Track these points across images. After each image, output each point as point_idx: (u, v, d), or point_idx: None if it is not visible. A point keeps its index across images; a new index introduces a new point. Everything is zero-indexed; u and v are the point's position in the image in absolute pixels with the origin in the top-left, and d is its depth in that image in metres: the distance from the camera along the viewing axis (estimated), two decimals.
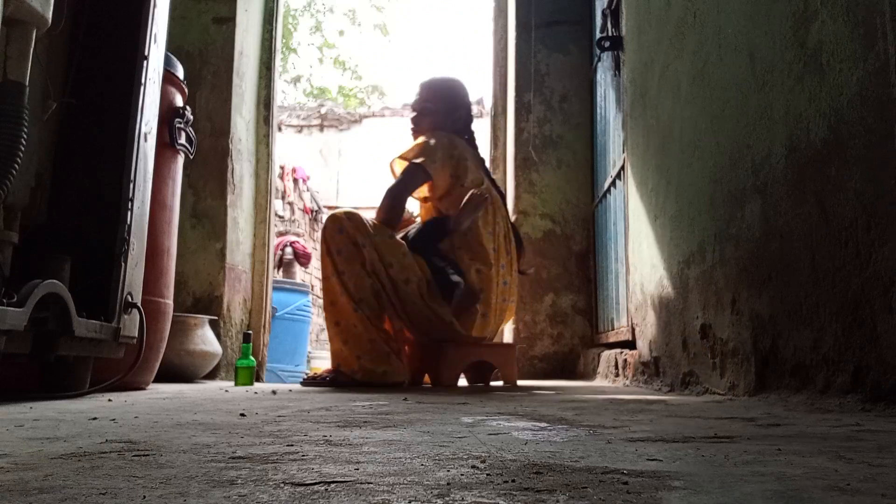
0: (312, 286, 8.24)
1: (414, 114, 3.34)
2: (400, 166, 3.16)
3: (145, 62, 2.35)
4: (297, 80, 14.36)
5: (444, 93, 3.35)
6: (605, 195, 4.01)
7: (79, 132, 2.29)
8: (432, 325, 3.01)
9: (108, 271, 2.21)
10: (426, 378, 3.14)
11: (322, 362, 6.86)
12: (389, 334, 3.01)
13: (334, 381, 2.93)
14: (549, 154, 4.51)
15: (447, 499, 0.64)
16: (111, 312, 2.19)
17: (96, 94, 2.30)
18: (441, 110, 3.28)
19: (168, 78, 2.69)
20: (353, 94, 14.19)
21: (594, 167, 4.39)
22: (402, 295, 2.96)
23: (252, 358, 3.29)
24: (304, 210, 9.83)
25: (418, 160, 3.08)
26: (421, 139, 3.19)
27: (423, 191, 3.19)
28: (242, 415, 1.49)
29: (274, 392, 2.52)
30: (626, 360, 3.15)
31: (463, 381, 3.22)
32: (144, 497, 0.65)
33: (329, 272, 2.96)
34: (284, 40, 12.51)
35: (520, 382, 3.29)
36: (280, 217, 9.11)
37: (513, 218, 4.48)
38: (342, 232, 2.94)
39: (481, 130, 5.11)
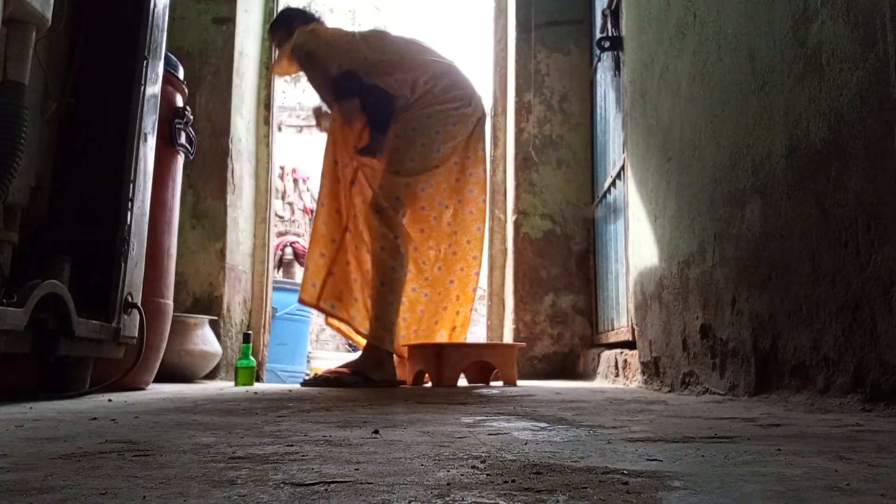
0: None
1: None
2: None
3: (145, 62, 2.35)
4: (297, 80, 14.37)
5: None
6: (605, 195, 4.01)
7: (79, 132, 2.29)
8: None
9: (108, 271, 2.21)
10: (426, 378, 3.15)
11: (322, 362, 6.84)
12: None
13: (335, 381, 2.94)
14: (549, 154, 4.50)
15: (447, 499, 0.64)
16: (111, 312, 2.19)
17: (96, 94, 2.30)
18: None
19: (168, 78, 2.69)
20: None
21: (594, 167, 4.39)
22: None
23: (252, 358, 3.29)
24: (304, 210, 9.82)
25: None
26: None
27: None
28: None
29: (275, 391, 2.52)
30: (626, 361, 3.15)
31: (463, 381, 3.22)
32: (144, 497, 0.65)
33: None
34: None
35: (520, 383, 3.28)
36: (280, 217, 9.12)
37: (513, 218, 4.49)
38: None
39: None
